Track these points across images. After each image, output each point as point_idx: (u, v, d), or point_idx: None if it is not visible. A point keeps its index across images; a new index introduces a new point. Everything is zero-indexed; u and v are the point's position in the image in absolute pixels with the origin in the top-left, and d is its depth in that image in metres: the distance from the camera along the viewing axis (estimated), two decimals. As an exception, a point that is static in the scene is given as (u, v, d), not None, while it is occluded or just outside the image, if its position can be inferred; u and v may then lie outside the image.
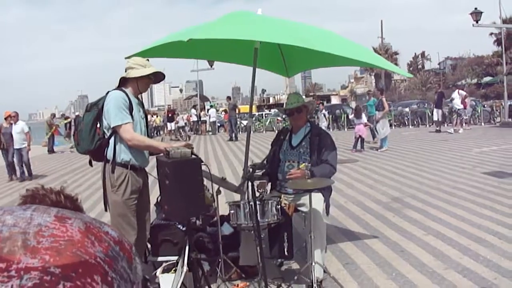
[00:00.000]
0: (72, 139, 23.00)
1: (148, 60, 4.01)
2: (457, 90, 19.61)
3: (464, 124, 19.70)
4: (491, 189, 7.54)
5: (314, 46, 4.06)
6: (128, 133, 3.72)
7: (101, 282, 0.79)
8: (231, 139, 22.30)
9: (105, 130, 3.82)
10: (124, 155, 3.79)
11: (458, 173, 9.23)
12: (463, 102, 18.99)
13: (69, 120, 24.45)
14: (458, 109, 19.01)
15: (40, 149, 22.29)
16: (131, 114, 3.77)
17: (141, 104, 4.05)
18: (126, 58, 4.21)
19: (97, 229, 0.89)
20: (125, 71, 3.89)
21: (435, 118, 20.62)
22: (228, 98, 26.42)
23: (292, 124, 4.75)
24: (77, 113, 39.13)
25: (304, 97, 4.98)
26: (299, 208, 4.39)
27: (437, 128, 19.83)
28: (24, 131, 12.43)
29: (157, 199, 4.56)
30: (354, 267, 4.61)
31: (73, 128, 26.72)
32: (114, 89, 3.85)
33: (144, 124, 4.01)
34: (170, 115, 29.82)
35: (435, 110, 20.50)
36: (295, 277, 4.10)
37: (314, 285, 3.73)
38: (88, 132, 3.82)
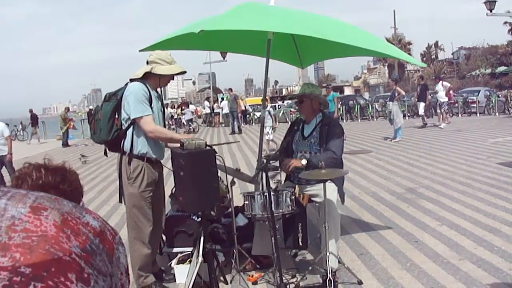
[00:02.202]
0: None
1: (170, 54, 3.97)
2: (440, 82, 18.63)
3: (447, 117, 18.50)
4: (506, 179, 7.47)
5: (329, 36, 4.05)
6: (150, 125, 3.73)
7: (76, 280, 0.77)
8: (239, 132, 22.09)
9: (123, 122, 3.83)
10: (141, 147, 3.82)
11: (473, 164, 9.15)
12: (447, 94, 18.26)
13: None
14: (442, 101, 18.09)
15: (54, 143, 22.51)
16: (150, 106, 3.78)
17: (160, 97, 4.07)
18: (140, 51, 4.21)
19: (76, 220, 0.86)
20: (147, 63, 3.87)
21: (420, 113, 18.92)
22: (230, 90, 26.05)
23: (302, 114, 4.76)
24: (90, 107, 39.42)
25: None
26: (313, 199, 4.39)
27: (424, 123, 18.16)
28: (3, 135, 9.22)
29: (172, 190, 4.59)
30: (369, 258, 4.62)
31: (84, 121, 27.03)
32: (134, 81, 3.84)
33: (162, 117, 4.03)
34: (183, 108, 29.76)
35: (418, 103, 19.08)
36: (310, 268, 4.13)
37: (329, 275, 3.73)
38: (107, 123, 3.82)
